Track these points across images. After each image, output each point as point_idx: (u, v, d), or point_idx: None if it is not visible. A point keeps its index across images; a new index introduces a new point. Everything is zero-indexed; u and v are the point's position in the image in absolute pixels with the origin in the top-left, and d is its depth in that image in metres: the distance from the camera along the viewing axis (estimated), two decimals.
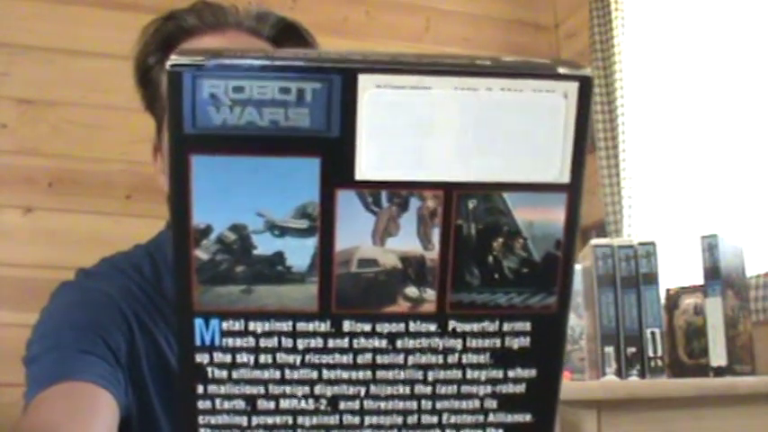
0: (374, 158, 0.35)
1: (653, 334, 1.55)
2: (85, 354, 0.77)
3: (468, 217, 0.37)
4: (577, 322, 1.62)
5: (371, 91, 0.35)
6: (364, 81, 0.34)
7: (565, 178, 0.36)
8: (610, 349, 1.54)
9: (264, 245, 0.36)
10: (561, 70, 0.35)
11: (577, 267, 1.59)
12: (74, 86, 2.16)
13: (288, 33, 0.93)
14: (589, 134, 0.36)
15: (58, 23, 2.18)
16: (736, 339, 1.57)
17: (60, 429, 0.68)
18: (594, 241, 1.62)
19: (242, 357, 0.38)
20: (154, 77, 0.90)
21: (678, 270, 1.88)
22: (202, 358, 0.37)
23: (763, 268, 1.75)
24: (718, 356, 1.53)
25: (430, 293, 0.38)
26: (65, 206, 2.12)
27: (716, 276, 1.56)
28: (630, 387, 1.45)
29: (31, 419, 0.71)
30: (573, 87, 0.35)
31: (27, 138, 2.12)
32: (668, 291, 1.72)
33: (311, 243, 0.36)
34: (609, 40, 2.23)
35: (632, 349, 1.54)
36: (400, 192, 0.36)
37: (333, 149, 0.35)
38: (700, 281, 1.61)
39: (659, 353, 1.54)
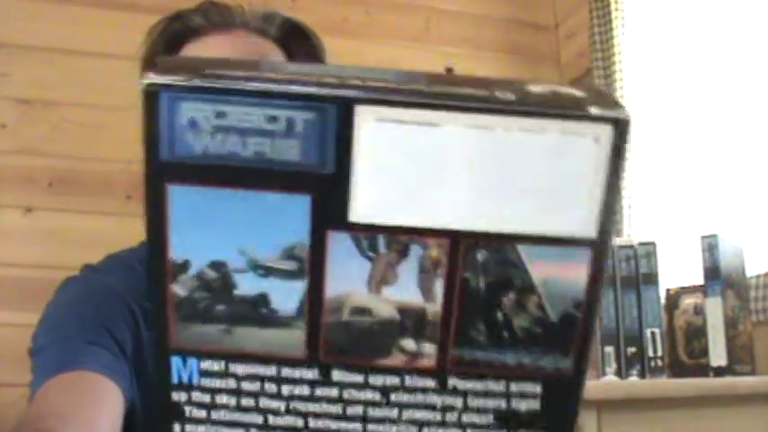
0: (372, 199, 0.32)
1: (653, 334, 1.55)
2: (91, 344, 0.78)
3: (477, 269, 0.33)
4: None
5: (371, 125, 0.31)
6: (363, 113, 0.31)
7: (591, 233, 0.32)
8: (610, 349, 1.54)
9: (247, 285, 0.33)
10: (594, 111, 0.31)
11: None
12: (74, 86, 2.16)
13: (294, 34, 0.93)
14: (622, 182, 0.32)
15: (58, 23, 2.18)
16: (736, 339, 1.57)
17: (67, 417, 0.69)
18: None
19: (222, 398, 0.35)
20: None
21: (678, 270, 1.88)
22: (179, 396, 0.35)
23: (763, 268, 1.75)
24: (718, 356, 1.53)
25: (429, 347, 0.34)
26: (65, 206, 2.12)
27: (716, 276, 1.56)
28: (630, 387, 1.45)
29: (38, 407, 0.71)
30: (606, 131, 0.31)
31: (27, 138, 2.12)
32: (668, 291, 1.72)
33: (299, 286, 0.33)
34: (609, 40, 2.23)
35: (632, 349, 1.53)
36: (400, 237, 0.33)
37: (326, 187, 0.31)
38: (700, 281, 1.61)
39: (659, 353, 1.54)
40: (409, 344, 0.34)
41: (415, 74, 0.33)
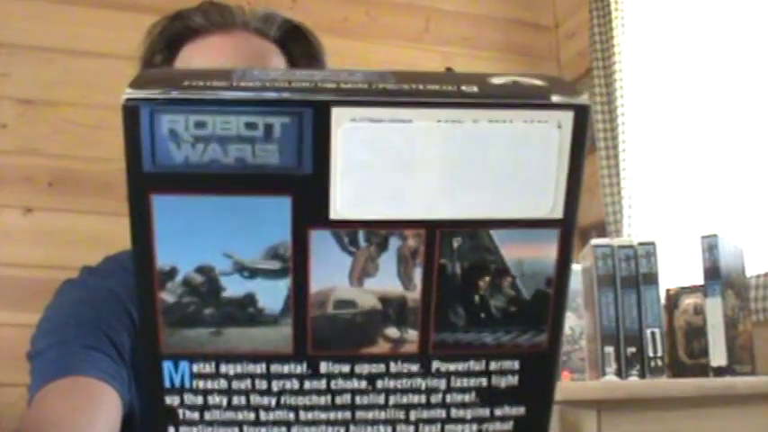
0: (350, 196, 0.33)
1: (653, 334, 1.54)
2: (90, 349, 0.78)
3: (453, 256, 0.35)
4: (577, 322, 1.63)
5: (346, 125, 0.32)
6: (338, 114, 0.32)
7: (558, 213, 0.34)
8: (610, 349, 1.54)
9: (234, 287, 0.34)
10: (555, 98, 0.33)
11: (577, 267, 1.59)
12: (74, 86, 2.16)
13: (294, 35, 0.94)
14: (584, 165, 0.34)
15: (58, 23, 2.18)
16: (736, 339, 1.57)
17: (63, 423, 0.69)
18: (594, 241, 1.62)
19: (214, 399, 0.36)
20: None
21: (678, 270, 1.88)
22: (172, 400, 0.36)
23: (763, 268, 1.75)
24: (718, 356, 1.53)
25: (411, 334, 0.36)
26: (65, 206, 2.12)
27: (716, 276, 1.56)
28: (630, 387, 1.45)
29: (35, 413, 0.71)
30: (568, 117, 0.33)
31: (27, 138, 2.12)
32: (668, 291, 1.72)
33: (284, 284, 0.34)
34: (609, 40, 2.23)
35: (632, 349, 1.53)
36: (379, 231, 0.34)
37: (305, 187, 0.33)
38: (700, 281, 1.61)
39: (659, 353, 1.54)
40: (392, 331, 0.36)
41: (384, 73, 0.34)
